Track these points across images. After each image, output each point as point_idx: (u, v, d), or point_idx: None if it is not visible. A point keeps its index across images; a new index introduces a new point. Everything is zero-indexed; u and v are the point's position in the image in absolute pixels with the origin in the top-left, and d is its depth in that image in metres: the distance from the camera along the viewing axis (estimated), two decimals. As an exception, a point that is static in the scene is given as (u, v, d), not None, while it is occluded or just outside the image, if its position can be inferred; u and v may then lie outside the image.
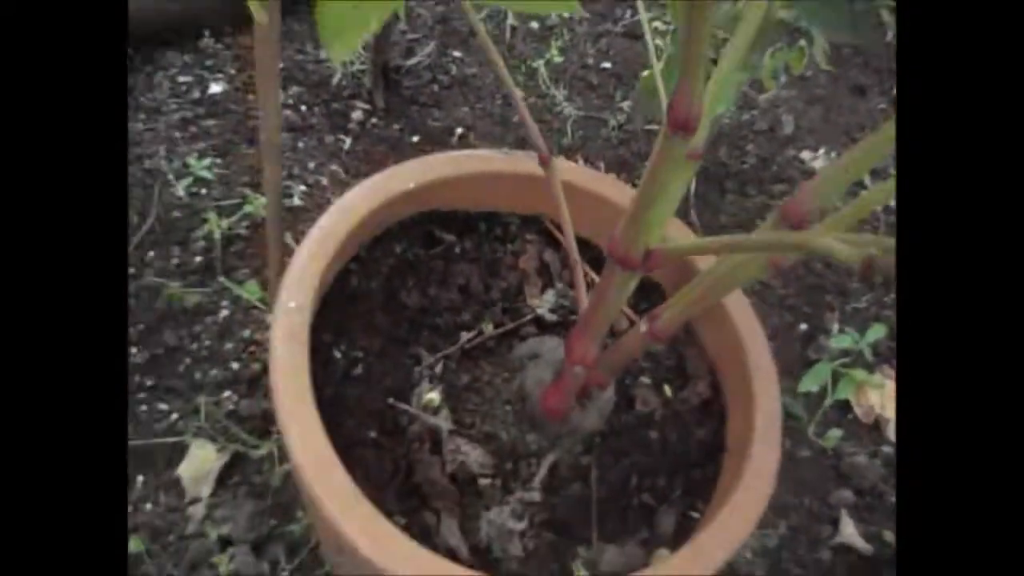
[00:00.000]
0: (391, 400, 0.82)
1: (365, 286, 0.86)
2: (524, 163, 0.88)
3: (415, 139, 1.38)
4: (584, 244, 0.90)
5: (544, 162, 0.74)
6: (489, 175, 0.88)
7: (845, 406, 1.28)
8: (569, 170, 0.89)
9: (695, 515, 0.81)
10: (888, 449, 1.25)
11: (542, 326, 0.88)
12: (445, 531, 0.76)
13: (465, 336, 0.87)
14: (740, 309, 0.87)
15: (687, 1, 0.47)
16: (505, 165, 0.88)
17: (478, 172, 0.88)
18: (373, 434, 0.79)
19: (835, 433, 1.25)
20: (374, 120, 1.40)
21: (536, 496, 0.79)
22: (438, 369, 0.84)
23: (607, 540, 0.79)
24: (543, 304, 0.89)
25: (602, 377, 0.77)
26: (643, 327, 0.70)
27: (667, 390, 0.87)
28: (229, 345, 1.18)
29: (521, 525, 0.77)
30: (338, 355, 0.82)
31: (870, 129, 1.54)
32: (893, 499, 1.22)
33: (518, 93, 0.81)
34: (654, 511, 0.81)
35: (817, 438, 1.25)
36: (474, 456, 0.79)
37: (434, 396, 0.82)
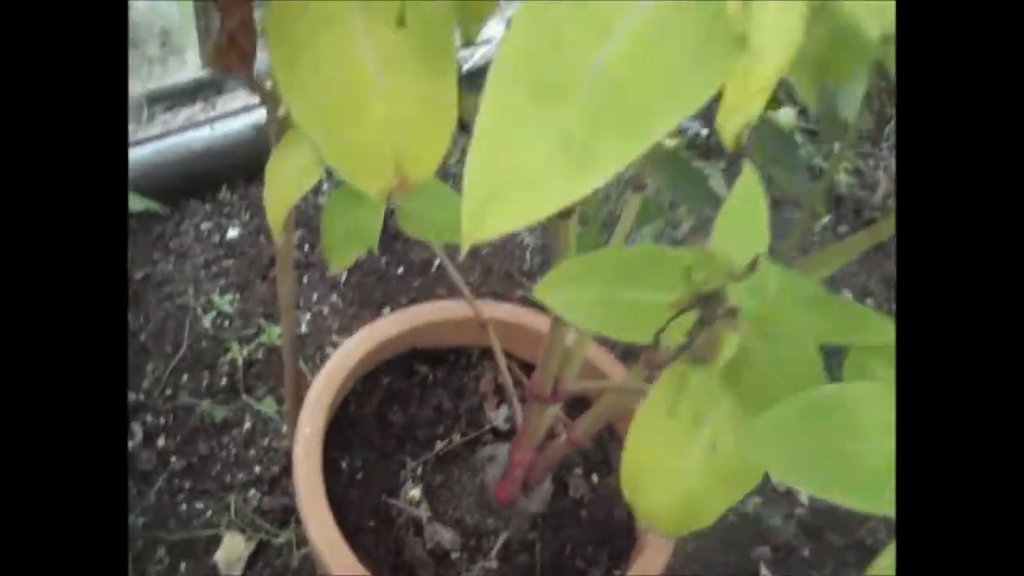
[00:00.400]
0: (384, 497, 1.08)
1: (361, 412, 1.13)
2: (485, 310, 1.15)
3: (400, 271, 1.66)
4: (530, 367, 1.17)
5: (480, 322, 1.01)
6: (453, 321, 1.15)
7: (764, 477, 1.54)
8: (511, 311, 1.16)
9: (618, 574, 1.07)
10: (800, 511, 1.51)
11: (497, 434, 1.15)
12: (426, 595, 1.03)
13: (439, 445, 1.13)
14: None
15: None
16: (464, 312, 1.15)
17: (445, 319, 1.15)
18: (372, 523, 1.06)
19: (755, 500, 1.51)
20: (365, 256, 1.67)
21: (494, 564, 1.05)
22: (419, 472, 1.11)
23: (549, 596, 1.05)
24: (498, 417, 1.16)
25: (540, 475, 1.04)
26: (563, 436, 0.97)
27: (595, 478, 1.14)
28: (252, 452, 1.45)
29: (484, 587, 1.04)
30: (344, 465, 1.09)
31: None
32: (804, 553, 1.48)
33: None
34: (585, 573, 1.08)
35: (740, 505, 1.51)
36: (447, 536, 1.05)
37: (416, 493, 1.09)
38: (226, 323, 1.56)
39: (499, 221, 0.33)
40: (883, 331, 0.45)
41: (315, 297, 1.61)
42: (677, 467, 0.50)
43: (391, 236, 1.68)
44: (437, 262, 1.67)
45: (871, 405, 0.41)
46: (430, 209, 0.82)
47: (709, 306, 0.44)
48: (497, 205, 0.33)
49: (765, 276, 0.44)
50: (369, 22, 0.46)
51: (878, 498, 0.40)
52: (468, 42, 0.52)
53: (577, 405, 1.15)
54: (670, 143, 1.02)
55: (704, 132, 1.70)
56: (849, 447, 0.40)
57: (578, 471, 1.14)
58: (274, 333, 1.52)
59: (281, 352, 1.49)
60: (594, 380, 1.06)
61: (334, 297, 1.62)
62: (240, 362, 1.51)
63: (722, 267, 0.43)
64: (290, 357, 1.22)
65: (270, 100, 0.71)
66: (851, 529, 1.51)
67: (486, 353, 1.19)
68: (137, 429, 1.45)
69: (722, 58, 0.30)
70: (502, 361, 1.05)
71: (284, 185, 0.81)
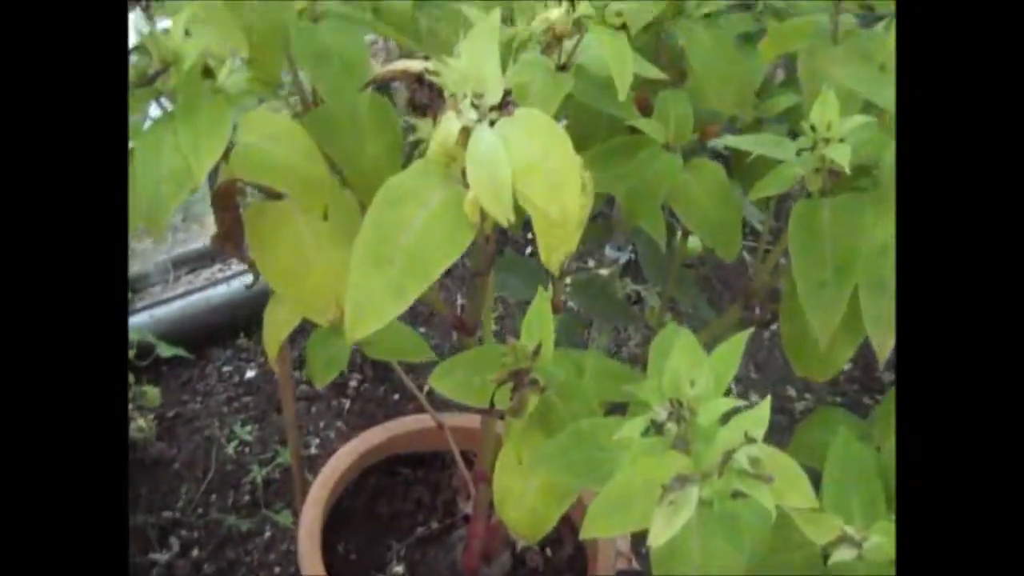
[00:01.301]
0: (373, 572, 1.34)
1: (354, 506, 1.39)
2: (448, 420, 1.42)
3: (396, 396, 1.93)
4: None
5: (439, 425, 1.29)
6: (426, 430, 1.42)
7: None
8: (468, 419, 1.43)
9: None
10: None
11: (468, 520, 1.41)
12: (409, 649, 1.28)
13: (419, 530, 1.39)
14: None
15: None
16: (428, 423, 1.42)
17: (420, 429, 1.42)
18: (364, 595, 1.32)
19: None
20: (366, 385, 1.95)
21: (465, 622, 1.30)
22: (402, 552, 1.37)
23: (510, 645, 1.30)
24: (468, 507, 1.42)
25: (497, 546, 1.30)
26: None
27: (548, 551, 1.39)
28: (273, 556, 1.71)
29: (457, 640, 1.29)
30: (339, 547, 1.35)
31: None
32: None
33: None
34: (541, 626, 1.33)
35: None
36: (426, 602, 1.31)
37: (400, 569, 1.34)
38: (247, 449, 1.83)
39: (365, 327, 0.61)
40: (637, 387, 0.71)
41: (322, 424, 1.88)
42: (523, 492, 0.76)
43: (386, 367, 1.96)
44: (427, 388, 1.95)
45: (609, 432, 0.67)
46: (384, 337, 1.09)
47: (518, 379, 0.71)
48: (363, 318, 0.61)
49: (554, 359, 0.72)
50: (306, 217, 0.75)
51: (597, 481, 0.64)
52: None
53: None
54: (604, 272, 1.30)
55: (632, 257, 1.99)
56: (596, 454, 0.66)
57: (534, 547, 1.40)
58: (288, 455, 1.79)
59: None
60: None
61: (339, 423, 1.89)
62: (260, 481, 1.77)
63: (522, 355, 0.71)
64: (297, 469, 1.49)
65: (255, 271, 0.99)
66: None
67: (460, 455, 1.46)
68: (174, 542, 1.70)
69: (461, 239, 0.59)
70: (459, 458, 1.32)
71: (275, 328, 1.10)
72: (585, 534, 0.60)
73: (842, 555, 0.68)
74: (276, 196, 0.76)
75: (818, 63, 0.80)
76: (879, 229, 0.74)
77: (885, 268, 0.74)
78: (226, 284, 1.96)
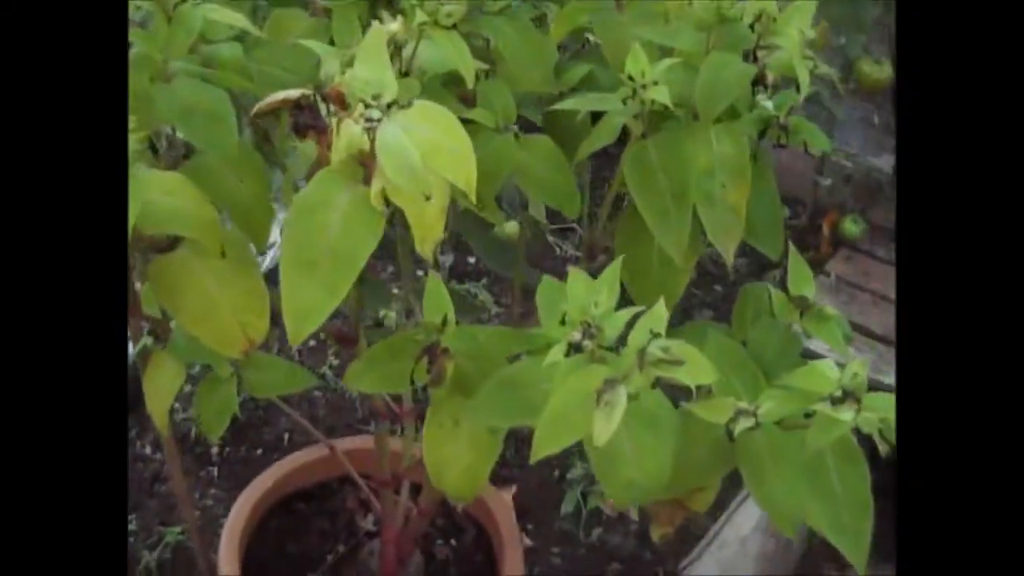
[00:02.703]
0: (299, 606, 1.40)
1: (263, 550, 1.44)
2: (325, 450, 1.48)
3: (259, 452, 1.98)
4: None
5: (329, 448, 1.36)
6: (310, 463, 1.49)
7: (598, 512, 1.91)
8: (353, 442, 1.50)
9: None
10: (634, 526, 1.88)
11: (371, 535, 1.48)
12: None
13: (330, 557, 1.46)
14: (480, 481, 1.48)
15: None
16: (315, 455, 1.48)
17: (304, 463, 1.49)
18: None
19: (597, 531, 1.87)
20: (227, 449, 1.98)
21: (392, 627, 1.37)
22: (321, 581, 1.43)
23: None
24: (367, 523, 1.49)
25: (408, 548, 1.37)
26: (412, 508, 1.31)
27: (452, 541, 1.48)
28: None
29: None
30: (261, 592, 1.40)
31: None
32: (647, 556, 1.84)
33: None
34: (463, 612, 1.41)
35: (586, 538, 1.87)
36: (351, 620, 1.38)
37: (323, 595, 1.41)
38: (132, 540, 1.84)
39: (305, 329, 0.68)
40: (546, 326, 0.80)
41: (198, 495, 1.91)
42: (455, 455, 0.85)
43: (242, 426, 2.00)
44: (287, 435, 2.00)
45: (528, 371, 0.77)
46: (267, 374, 1.16)
47: (431, 353, 0.80)
48: (303, 322, 0.69)
49: (462, 330, 0.81)
50: (203, 261, 0.82)
51: (536, 418, 0.73)
52: (261, 251, 0.88)
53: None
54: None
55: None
56: (518, 394, 0.76)
57: (439, 542, 1.48)
58: (174, 532, 1.82)
59: (184, 546, 1.79)
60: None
61: (213, 490, 1.93)
62: (153, 565, 1.79)
63: (431, 329, 0.80)
64: (192, 521, 1.53)
65: (154, 327, 1.04)
66: (680, 529, 1.88)
67: (344, 480, 1.52)
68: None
69: (375, 230, 0.67)
70: (358, 478, 1.39)
71: (160, 392, 1.15)
72: (536, 455, 0.69)
73: (743, 425, 0.79)
74: (169, 248, 0.82)
75: (612, 29, 0.92)
76: (700, 154, 0.86)
77: (713, 186, 0.86)
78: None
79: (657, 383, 0.69)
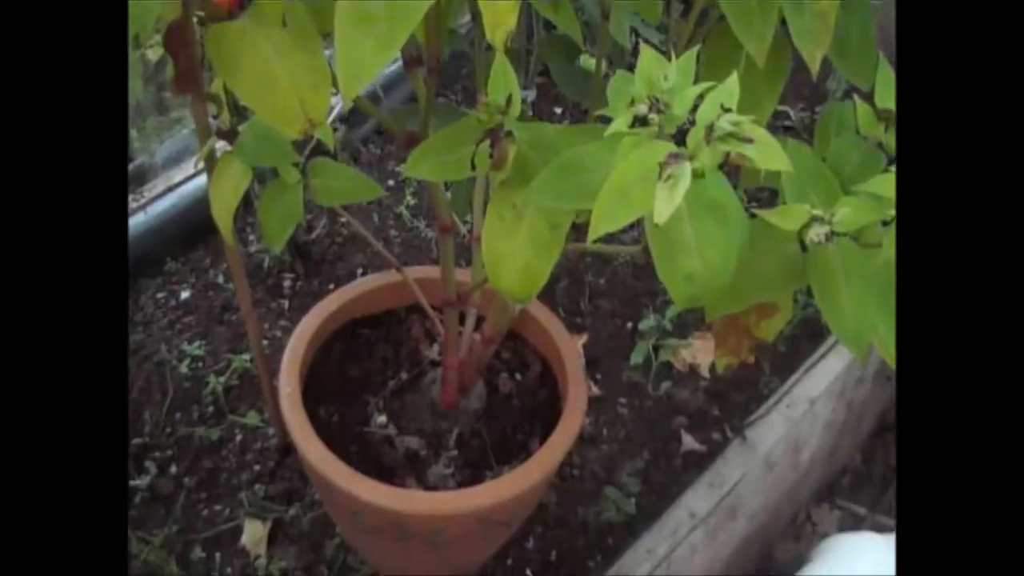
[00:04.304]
0: (360, 428, 1.39)
1: (325, 372, 1.44)
2: (395, 276, 1.46)
3: (331, 287, 1.97)
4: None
5: (398, 269, 1.34)
6: (379, 288, 1.47)
7: (668, 366, 1.88)
8: (422, 270, 1.48)
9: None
10: (704, 383, 1.85)
11: (434, 364, 1.46)
12: (409, 485, 1.33)
13: (392, 383, 1.45)
14: (547, 317, 1.45)
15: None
16: (384, 280, 1.46)
17: (373, 288, 1.47)
18: (354, 448, 1.37)
19: (665, 384, 1.85)
20: (300, 283, 1.99)
21: (454, 453, 1.36)
22: (381, 405, 1.42)
23: (501, 464, 1.37)
24: (431, 352, 1.48)
25: (471, 377, 1.36)
26: (477, 338, 1.29)
27: (517, 376, 1.46)
28: (248, 456, 1.75)
29: (450, 470, 1.35)
30: (321, 412, 1.40)
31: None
32: (715, 412, 1.82)
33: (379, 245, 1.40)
34: (526, 443, 1.39)
35: (654, 391, 1.84)
36: (414, 442, 1.37)
37: (383, 419, 1.40)
38: (200, 364, 1.86)
39: (359, 82, 0.66)
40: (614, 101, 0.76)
41: (267, 326, 1.92)
42: (513, 249, 0.82)
43: (316, 261, 2.00)
44: (359, 272, 1.99)
45: (592, 155, 0.73)
46: (333, 182, 1.13)
47: (494, 136, 0.76)
48: (356, 74, 0.66)
49: (527, 123, 0.77)
50: (263, 31, 0.79)
51: (592, 201, 0.70)
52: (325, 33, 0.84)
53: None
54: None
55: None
56: (581, 177, 0.72)
57: (503, 374, 1.46)
58: (242, 359, 1.83)
59: (251, 374, 1.81)
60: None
61: (282, 322, 1.93)
62: (220, 390, 1.80)
63: (495, 109, 0.76)
64: (261, 359, 1.53)
65: (220, 107, 1.02)
66: (749, 387, 1.85)
67: (411, 309, 1.51)
68: (150, 465, 1.73)
69: None
70: (425, 303, 1.37)
71: (226, 195, 1.13)
72: (594, 232, 0.65)
73: (816, 232, 0.75)
74: (230, 18, 0.79)
75: None
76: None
77: (801, -11, 0.81)
78: (143, 212, 1.96)
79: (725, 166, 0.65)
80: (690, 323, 1.95)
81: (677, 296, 0.71)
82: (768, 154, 0.64)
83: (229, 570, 1.62)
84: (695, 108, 0.67)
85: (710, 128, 0.63)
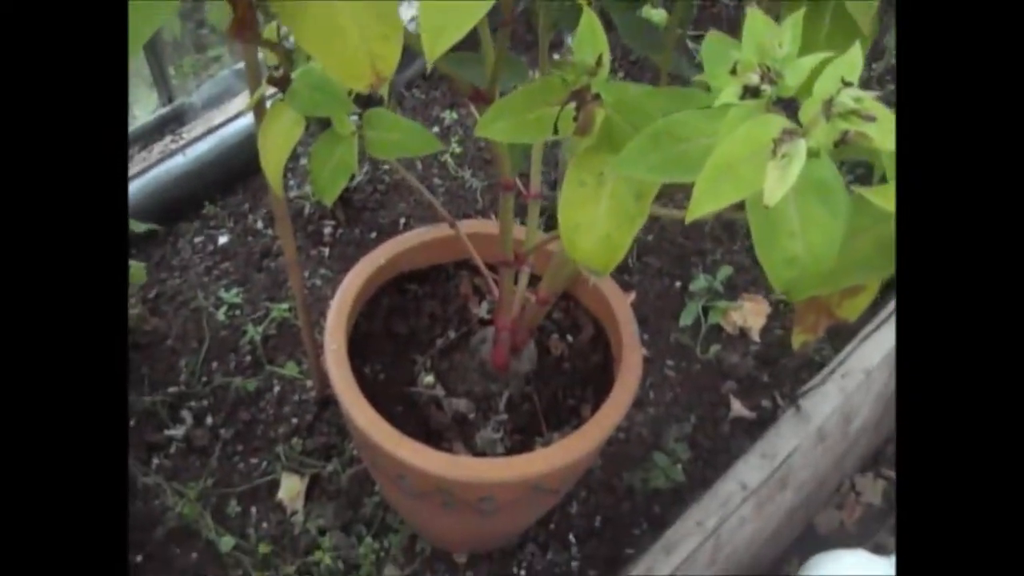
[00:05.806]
0: (406, 388, 1.35)
1: (371, 328, 1.39)
2: (445, 230, 1.41)
3: (373, 235, 1.92)
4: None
5: (451, 225, 1.28)
6: (428, 243, 1.42)
7: (717, 328, 1.83)
8: (478, 224, 1.43)
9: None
10: (754, 347, 1.79)
11: (484, 323, 1.41)
12: (457, 449, 1.29)
13: (440, 341, 1.40)
14: (603, 280, 1.40)
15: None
16: (433, 234, 1.41)
17: (422, 242, 1.42)
18: (400, 408, 1.32)
19: (714, 347, 1.79)
20: (341, 231, 1.94)
21: (504, 417, 1.32)
22: (428, 364, 1.37)
23: (552, 430, 1.32)
24: (481, 310, 1.43)
25: (523, 337, 1.31)
26: (531, 299, 1.24)
27: (569, 338, 1.41)
28: (286, 408, 1.71)
29: (499, 435, 1.30)
30: (367, 370, 1.35)
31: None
32: (764, 378, 1.76)
33: (426, 191, 1.35)
34: (577, 408, 1.34)
35: (703, 354, 1.79)
36: (462, 405, 1.32)
37: (430, 379, 1.35)
38: (238, 312, 1.81)
39: (446, 40, 0.60)
40: (700, 100, 0.71)
41: (306, 274, 1.87)
42: (593, 219, 0.76)
43: (358, 208, 1.95)
44: (402, 221, 1.94)
45: (689, 124, 0.67)
46: (389, 134, 1.08)
47: (580, 97, 0.71)
48: (442, 33, 0.60)
49: (615, 84, 0.71)
50: (334, -23, 0.73)
51: (687, 174, 0.65)
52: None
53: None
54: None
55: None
56: (675, 148, 0.66)
57: (555, 336, 1.41)
58: (281, 309, 1.78)
59: (289, 324, 1.76)
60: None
61: (322, 270, 1.88)
62: (258, 339, 1.76)
63: (581, 70, 0.70)
64: (303, 308, 1.48)
65: (280, 55, 0.97)
66: (799, 354, 1.80)
67: (460, 265, 1.46)
68: (186, 415, 1.70)
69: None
70: (478, 260, 1.32)
71: (277, 145, 1.08)
72: (694, 211, 0.60)
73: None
74: (296, -37, 0.73)
75: None
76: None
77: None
78: (182, 154, 1.91)
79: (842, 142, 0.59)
80: (740, 285, 1.89)
81: (776, 279, 0.66)
82: (891, 134, 0.59)
83: (265, 525, 1.58)
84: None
85: (829, 103, 0.57)
